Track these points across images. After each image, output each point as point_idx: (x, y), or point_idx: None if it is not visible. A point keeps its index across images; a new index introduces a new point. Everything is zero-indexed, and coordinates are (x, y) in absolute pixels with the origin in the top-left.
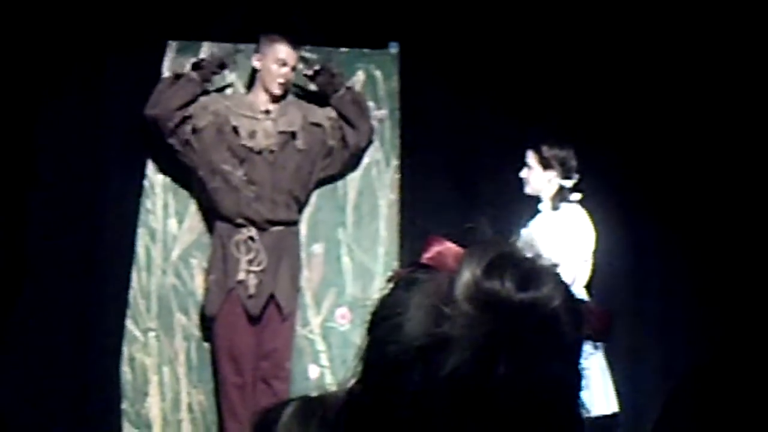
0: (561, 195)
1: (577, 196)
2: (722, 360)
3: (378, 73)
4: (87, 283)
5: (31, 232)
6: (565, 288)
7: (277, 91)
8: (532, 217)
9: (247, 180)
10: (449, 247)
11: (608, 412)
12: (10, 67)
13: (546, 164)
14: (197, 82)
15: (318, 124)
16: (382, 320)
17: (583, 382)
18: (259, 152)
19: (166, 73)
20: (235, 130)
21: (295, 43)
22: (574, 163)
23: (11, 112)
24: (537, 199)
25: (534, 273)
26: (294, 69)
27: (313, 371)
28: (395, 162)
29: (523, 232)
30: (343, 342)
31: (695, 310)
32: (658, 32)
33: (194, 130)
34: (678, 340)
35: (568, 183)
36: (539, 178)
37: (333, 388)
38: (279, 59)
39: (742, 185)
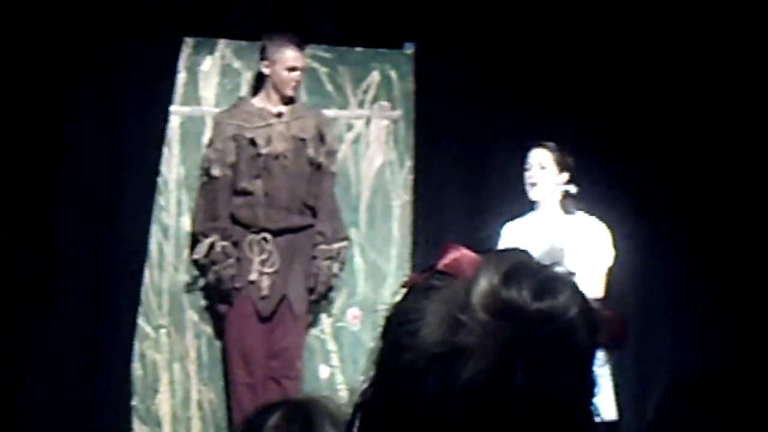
0: (568, 200)
1: (573, 189)
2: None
3: (393, 74)
4: (99, 279)
5: (44, 230)
6: (582, 297)
7: (291, 93)
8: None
9: (264, 191)
10: (465, 254)
11: (608, 418)
12: (27, 66)
13: (561, 166)
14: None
15: (323, 139)
16: (397, 326)
17: (596, 389)
18: (276, 157)
19: (182, 69)
20: (252, 142)
21: (301, 44)
22: (576, 169)
23: (28, 111)
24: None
25: (550, 282)
26: (303, 71)
27: (324, 371)
28: (409, 163)
29: (550, 240)
30: (354, 342)
31: (705, 315)
32: (678, 41)
33: (231, 165)
34: (687, 345)
35: (574, 189)
36: (552, 181)
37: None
38: (289, 66)
39: (754, 188)
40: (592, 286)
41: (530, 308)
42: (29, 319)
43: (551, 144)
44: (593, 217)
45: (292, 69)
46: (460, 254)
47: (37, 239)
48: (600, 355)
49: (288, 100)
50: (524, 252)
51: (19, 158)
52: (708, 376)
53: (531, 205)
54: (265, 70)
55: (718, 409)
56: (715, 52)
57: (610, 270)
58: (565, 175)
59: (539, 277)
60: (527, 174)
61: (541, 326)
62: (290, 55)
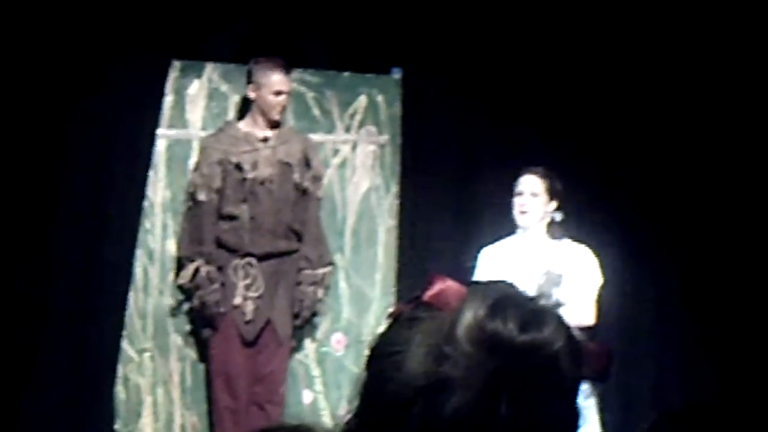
0: (554, 227)
1: (559, 216)
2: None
3: (380, 98)
4: (84, 302)
5: (29, 251)
6: (566, 329)
7: (277, 117)
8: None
9: (250, 216)
10: (451, 285)
11: None
12: (14, 88)
13: (551, 194)
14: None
15: (308, 164)
16: (382, 357)
17: (580, 420)
18: (262, 182)
19: (169, 92)
20: (238, 166)
21: (287, 68)
22: (563, 197)
23: (14, 134)
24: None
25: (536, 314)
26: (289, 94)
27: (307, 396)
28: (395, 188)
29: (548, 268)
30: (338, 367)
31: (687, 348)
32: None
33: (217, 191)
34: (670, 378)
35: (560, 216)
36: (542, 208)
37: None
38: (275, 90)
39: (739, 217)
40: (584, 313)
41: (515, 341)
42: (14, 342)
43: (542, 170)
44: (580, 244)
45: (278, 93)
46: (445, 286)
47: (23, 261)
48: (585, 387)
49: (274, 124)
50: (510, 284)
51: (4, 181)
52: (692, 409)
53: (513, 230)
54: (251, 95)
55: None
56: (699, 78)
57: (599, 296)
58: (554, 203)
59: (524, 309)
60: (518, 201)
61: (526, 359)
62: (276, 79)
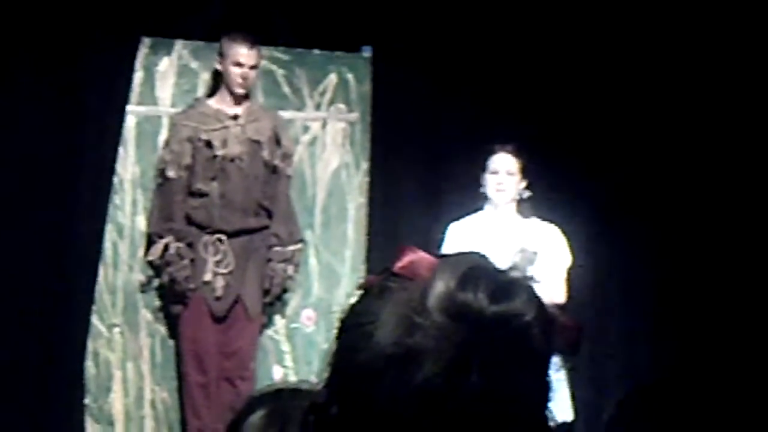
0: (524, 204)
1: (527, 193)
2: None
3: (350, 76)
4: (54, 277)
5: None
6: (538, 301)
7: (238, 90)
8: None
9: (220, 193)
10: (422, 256)
11: (564, 419)
12: None
13: (525, 172)
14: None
15: (278, 142)
16: (352, 327)
17: (551, 393)
18: (232, 160)
19: (139, 69)
20: (208, 144)
21: (254, 43)
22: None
23: None
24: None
25: (507, 285)
26: (254, 68)
27: (278, 372)
28: (365, 165)
29: (523, 246)
30: (308, 343)
31: (657, 320)
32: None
33: (186, 167)
34: (640, 348)
35: (528, 193)
36: (516, 186)
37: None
38: (236, 61)
39: (709, 191)
40: (555, 290)
41: (486, 311)
42: None
43: (514, 148)
44: (548, 223)
45: (239, 65)
46: (416, 257)
47: None
48: (556, 360)
49: (239, 99)
50: (481, 255)
51: None
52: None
53: (480, 206)
54: (218, 66)
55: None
56: (674, 57)
57: (569, 275)
58: (525, 181)
59: (496, 280)
60: (493, 179)
61: (496, 329)
62: (238, 50)
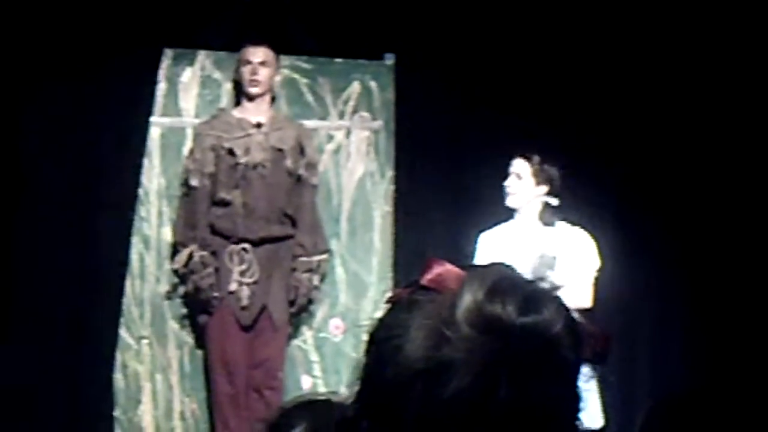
0: (548, 212)
1: (555, 201)
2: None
3: (373, 84)
4: (81, 290)
5: (25, 240)
6: (566, 311)
7: (251, 89)
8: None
9: (242, 201)
10: (449, 269)
11: (595, 426)
12: (7, 76)
13: (539, 178)
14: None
15: (302, 151)
16: (381, 341)
17: (581, 403)
18: (254, 167)
19: (162, 80)
20: (230, 152)
21: (262, 40)
22: (559, 182)
23: (4, 119)
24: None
25: (535, 297)
26: (264, 65)
27: (306, 382)
28: (390, 173)
29: (535, 249)
30: (336, 352)
31: (689, 330)
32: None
33: (209, 176)
34: (671, 358)
35: (555, 202)
36: (529, 191)
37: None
38: (245, 60)
39: (737, 201)
40: (581, 296)
41: (515, 323)
42: (10, 330)
43: (533, 156)
44: (576, 227)
45: (247, 62)
46: (444, 269)
47: (19, 250)
48: (586, 370)
49: (251, 98)
50: (508, 266)
51: (3, 171)
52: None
53: (510, 215)
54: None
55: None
56: (690, 64)
57: (597, 279)
58: (544, 188)
59: (524, 291)
60: (507, 182)
61: (525, 341)
62: (246, 50)
